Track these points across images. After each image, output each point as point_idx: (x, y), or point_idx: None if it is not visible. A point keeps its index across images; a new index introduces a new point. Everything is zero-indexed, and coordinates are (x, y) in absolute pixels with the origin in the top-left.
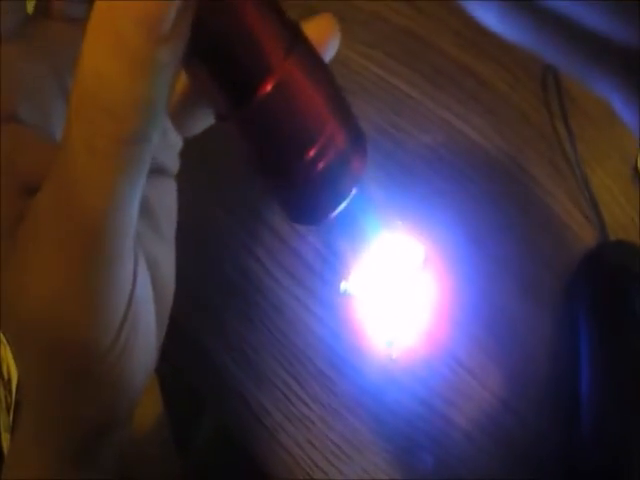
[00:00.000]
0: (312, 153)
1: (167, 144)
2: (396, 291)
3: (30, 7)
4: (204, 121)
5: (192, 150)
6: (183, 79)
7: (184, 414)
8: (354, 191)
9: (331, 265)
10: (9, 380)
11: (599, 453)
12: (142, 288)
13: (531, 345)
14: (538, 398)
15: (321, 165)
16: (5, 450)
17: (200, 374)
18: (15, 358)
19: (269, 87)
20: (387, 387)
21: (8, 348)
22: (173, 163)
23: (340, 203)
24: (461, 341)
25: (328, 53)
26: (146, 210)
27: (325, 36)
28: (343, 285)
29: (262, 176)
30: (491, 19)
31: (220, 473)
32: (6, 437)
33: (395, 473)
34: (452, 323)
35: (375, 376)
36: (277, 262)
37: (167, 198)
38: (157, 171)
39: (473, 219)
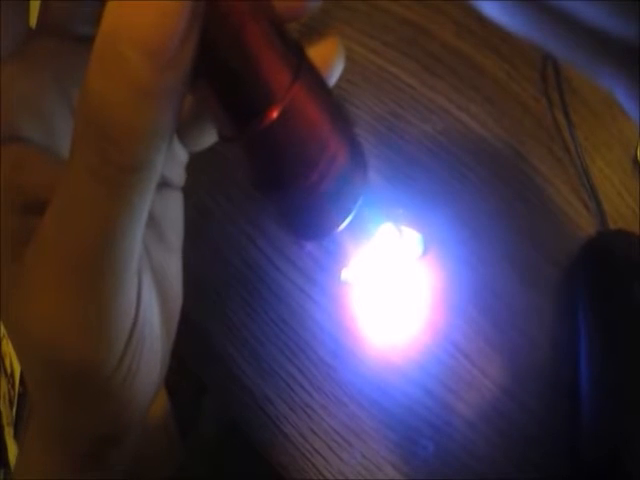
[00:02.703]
0: (316, 174)
1: (173, 158)
2: (397, 279)
3: (32, 21)
4: (210, 137)
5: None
6: (189, 98)
7: (187, 402)
8: (358, 205)
9: (332, 254)
10: (12, 374)
11: (600, 440)
12: (147, 308)
13: (531, 332)
14: (538, 385)
15: (325, 185)
16: (8, 443)
17: (203, 362)
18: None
19: (275, 114)
20: (389, 375)
21: (11, 342)
22: (179, 176)
23: (345, 218)
24: (461, 329)
25: (333, 76)
26: (152, 223)
27: (330, 61)
28: (344, 273)
29: (266, 195)
30: (494, 11)
31: (222, 460)
32: (9, 431)
33: (396, 460)
34: (452, 311)
35: (376, 364)
36: (279, 251)
37: (173, 210)
38: (163, 184)
39: (472, 207)
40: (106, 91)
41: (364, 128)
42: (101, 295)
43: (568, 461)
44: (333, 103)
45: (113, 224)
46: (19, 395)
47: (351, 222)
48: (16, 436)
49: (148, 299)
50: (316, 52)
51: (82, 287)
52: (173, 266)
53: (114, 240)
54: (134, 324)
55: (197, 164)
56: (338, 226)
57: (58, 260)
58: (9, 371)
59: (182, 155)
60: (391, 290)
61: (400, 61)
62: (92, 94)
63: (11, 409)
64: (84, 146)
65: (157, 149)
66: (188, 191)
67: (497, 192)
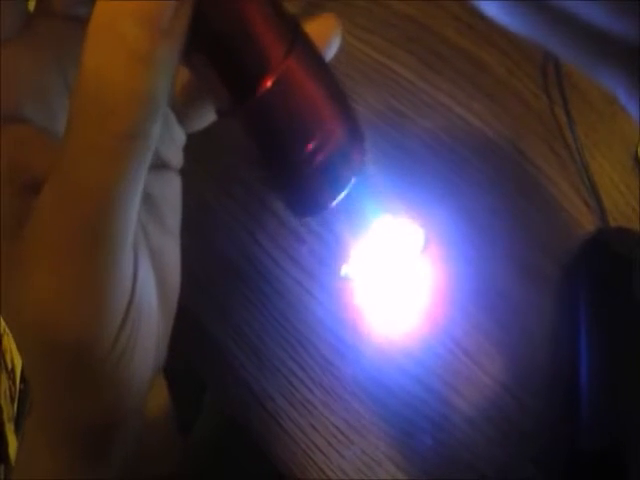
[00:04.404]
0: (311, 147)
1: (171, 139)
2: (396, 274)
3: (31, 5)
4: (208, 117)
5: (192, 134)
6: (187, 74)
7: (187, 398)
8: (352, 182)
9: (332, 249)
10: (12, 370)
11: (599, 437)
12: (144, 287)
13: (531, 329)
14: (537, 381)
15: (320, 158)
16: (8, 438)
17: (203, 359)
18: (20, 356)
19: (269, 83)
20: (389, 371)
21: (12, 337)
22: (177, 158)
23: (338, 194)
24: (461, 324)
25: (329, 52)
26: (150, 204)
27: (326, 35)
28: (344, 268)
29: (262, 168)
30: (494, 10)
31: (222, 456)
32: (10, 426)
33: (396, 455)
34: (452, 306)
35: (377, 360)
36: (279, 246)
37: (171, 192)
38: (161, 166)
39: (472, 204)
40: (102, 60)
41: (363, 124)
42: (96, 269)
43: (566, 457)
44: (329, 77)
45: (108, 195)
46: (20, 391)
47: (352, 217)
48: (17, 432)
49: (145, 278)
50: (312, 27)
51: (77, 261)
52: (171, 248)
53: (109, 211)
54: (130, 302)
55: (197, 160)
56: (331, 202)
57: (54, 236)
58: (10, 367)
59: (180, 136)
60: (391, 285)
61: (400, 57)
62: (88, 64)
63: (12, 405)
64: (80, 116)
65: (152, 118)
66: (188, 187)
67: (497, 188)
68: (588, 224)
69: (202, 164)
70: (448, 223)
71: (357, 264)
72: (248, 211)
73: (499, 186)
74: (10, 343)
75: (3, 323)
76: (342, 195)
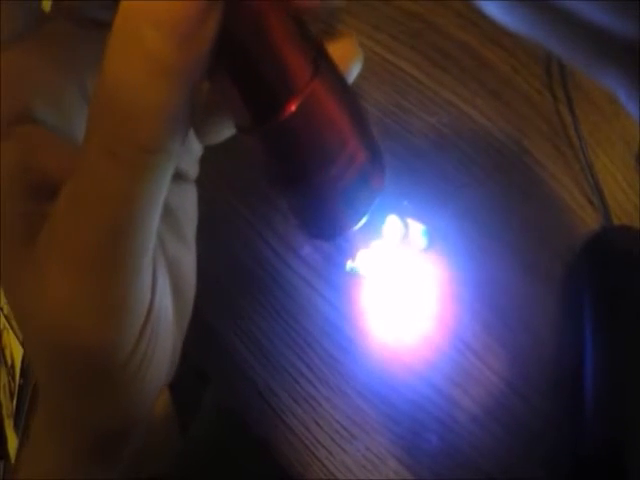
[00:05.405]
0: (333, 172)
1: (188, 150)
2: (402, 273)
3: (47, 6)
4: (226, 131)
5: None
6: (206, 87)
7: (188, 394)
8: (373, 206)
9: (341, 249)
10: (12, 365)
11: (603, 436)
12: (162, 296)
13: (536, 327)
14: (543, 380)
15: (341, 183)
16: (8, 435)
17: (208, 356)
18: (30, 359)
19: (293, 107)
20: (393, 368)
21: (12, 333)
22: (193, 169)
23: (359, 219)
24: (466, 322)
25: (351, 74)
26: (167, 214)
27: (348, 58)
28: (349, 264)
29: (281, 191)
30: (495, 10)
31: (223, 452)
32: (9, 423)
33: (400, 453)
34: (457, 304)
35: (382, 357)
36: (288, 246)
37: (187, 202)
38: (177, 176)
39: (476, 201)
40: (123, 68)
41: (369, 120)
42: (118, 279)
43: (571, 457)
44: (352, 99)
45: (128, 205)
46: (19, 387)
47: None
48: (16, 428)
49: (163, 287)
50: (335, 49)
51: (99, 271)
52: (187, 257)
53: (130, 221)
54: (149, 311)
55: (208, 162)
56: (352, 227)
57: (74, 244)
58: (9, 363)
59: (197, 148)
60: (396, 283)
61: (406, 54)
62: (109, 72)
63: (11, 401)
64: (100, 125)
65: (173, 131)
66: (198, 188)
67: (501, 186)
68: (592, 222)
69: (213, 167)
70: (451, 220)
71: (364, 262)
72: (256, 212)
73: (502, 183)
74: (10, 339)
75: (3, 319)
76: (363, 219)
